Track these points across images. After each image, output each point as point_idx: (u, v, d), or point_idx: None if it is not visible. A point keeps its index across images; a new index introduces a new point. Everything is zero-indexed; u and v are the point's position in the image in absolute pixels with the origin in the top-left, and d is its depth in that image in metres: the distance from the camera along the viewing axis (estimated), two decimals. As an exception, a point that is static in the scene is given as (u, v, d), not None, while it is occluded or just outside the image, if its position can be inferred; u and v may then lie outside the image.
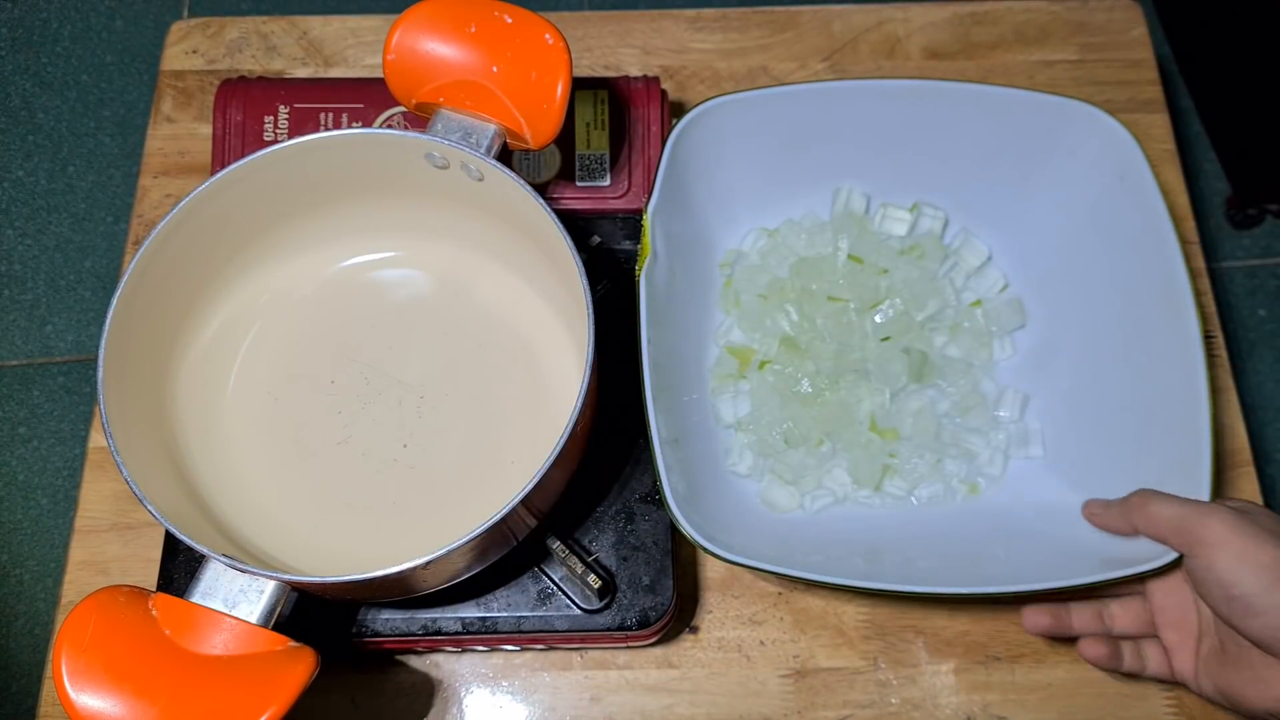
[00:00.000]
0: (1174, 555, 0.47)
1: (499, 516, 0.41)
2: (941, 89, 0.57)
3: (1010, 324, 0.61)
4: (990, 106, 0.57)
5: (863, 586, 0.46)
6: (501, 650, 0.57)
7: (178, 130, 0.70)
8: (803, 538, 0.55)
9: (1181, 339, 0.51)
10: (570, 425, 0.43)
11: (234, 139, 0.62)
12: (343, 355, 0.55)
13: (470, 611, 0.52)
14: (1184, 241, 0.53)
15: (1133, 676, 0.52)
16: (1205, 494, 0.48)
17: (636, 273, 0.52)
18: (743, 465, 0.58)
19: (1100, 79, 0.72)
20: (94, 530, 0.60)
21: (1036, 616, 0.51)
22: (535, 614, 0.52)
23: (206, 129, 0.70)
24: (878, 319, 0.60)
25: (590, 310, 0.45)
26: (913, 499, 0.58)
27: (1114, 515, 0.49)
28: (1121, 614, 0.51)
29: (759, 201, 0.62)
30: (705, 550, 0.47)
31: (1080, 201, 0.58)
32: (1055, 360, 0.59)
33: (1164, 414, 0.52)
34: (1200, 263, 0.68)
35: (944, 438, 0.59)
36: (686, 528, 0.47)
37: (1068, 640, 0.57)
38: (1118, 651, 0.50)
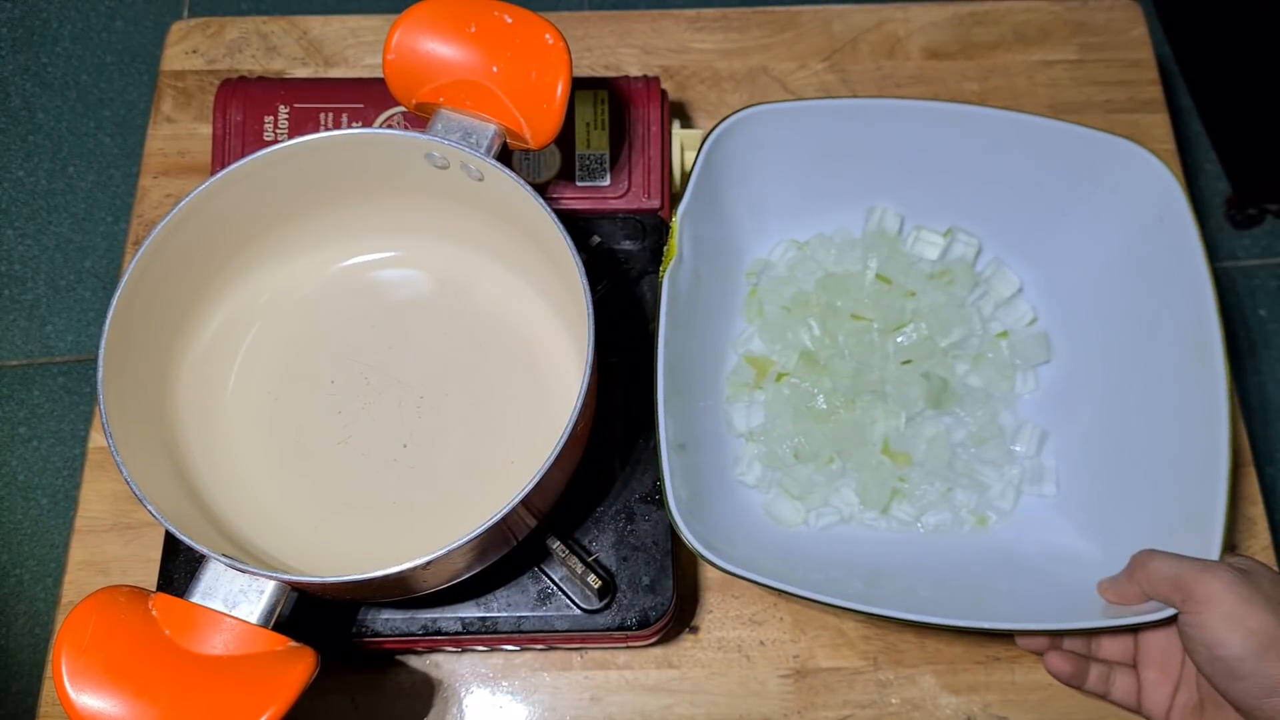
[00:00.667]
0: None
1: (499, 517, 0.41)
2: (984, 115, 0.56)
3: (1035, 358, 0.60)
4: (1033, 136, 0.56)
5: (861, 610, 0.46)
6: (501, 650, 0.57)
7: (178, 130, 0.70)
8: (805, 554, 0.55)
9: (1207, 391, 0.50)
10: (570, 425, 0.43)
11: (234, 139, 0.62)
12: (343, 355, 0.55)
13: (470, 611, 0.52)
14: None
15: (1095, 697, 0.51)
16: (1216, 550, 0.47)
17: (660, 274, 0.52)
18: (751, 476, 0.58)
19: (1100, 79, 0.72)
20: (94, 530, 0.60)
21: (1060, 663, 0.50)
22: (535, 614, 0.52)
23: (206, 129, 0.70)
24: (900, 341, 0.60)
25: (590, 310, 0.45)
26: (919, 525, 0.57)
27: (1121, 582, 0.48)
28: (1109, 642, 0.51)
29: (791, 213, 0.62)
30: (704, 559, 0.47)
31: (1117, 240, 0.57)
32: (1077, 399, 0.58)
33: (1181, 465, 0.51)
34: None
35: (957, 467, 0.58)
36: (687, 535, 0.47)
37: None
38: (1084, 670, 0.50)
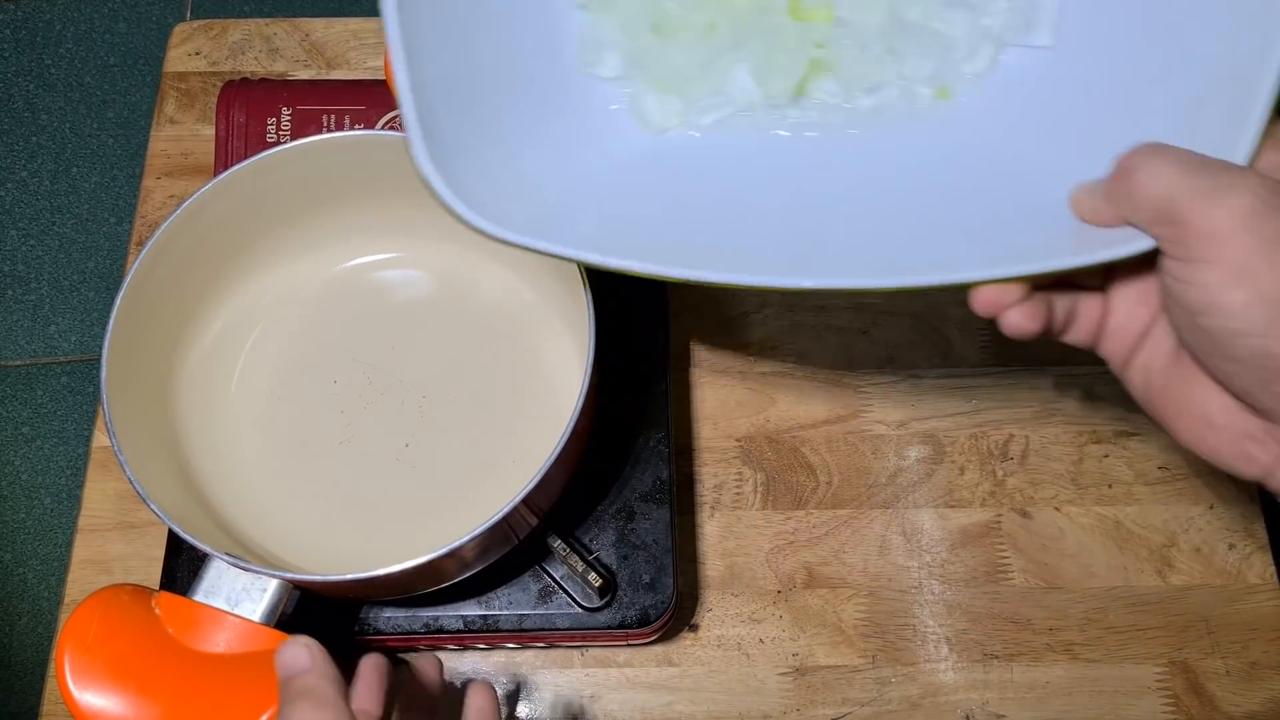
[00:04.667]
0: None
1: (500, 516, 0.42)
2: None
3: None
4: None
5: (752, 284, 0.33)
6: (502, 648, 0.57)
7: (180, 131, 0.71)
8: (686, 193, 0.40)
9: None
10: (571, 424, 0.43)
11: (236, 140, 0.62)
12: (345, 355, 0.56)
13: (472, 610, 0.52)
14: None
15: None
16: (1247, 139, 0.31)
17: None
18: (606, 67, 0.40)
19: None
20: (97, 529, 0.61)
21: (1021, 320, 0.34)
22: (536, 612, 0.52)
23: (209, 130, 0.70)
24: None
25: (590, 310, 0.45)
26: (850, 108, 0.40)
27: (1100, 195, 0.33)
28: None
29: None
30: (463, 221, 0.31)
31: None
32: None
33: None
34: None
35: (907, 17, 0.39)
36: (433, 179, 0.31)
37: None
38: (1049, 314, 0.34)
